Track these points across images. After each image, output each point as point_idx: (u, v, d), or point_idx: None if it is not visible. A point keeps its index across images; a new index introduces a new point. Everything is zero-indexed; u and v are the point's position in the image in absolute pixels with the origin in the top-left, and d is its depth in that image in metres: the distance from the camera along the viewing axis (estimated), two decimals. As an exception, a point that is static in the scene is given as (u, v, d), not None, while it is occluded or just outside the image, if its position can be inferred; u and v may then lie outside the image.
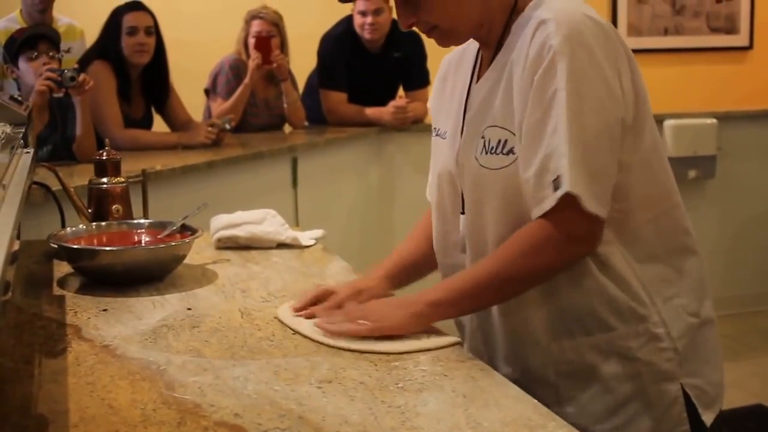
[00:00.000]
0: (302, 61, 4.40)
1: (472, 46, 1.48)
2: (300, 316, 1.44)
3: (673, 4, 5.88)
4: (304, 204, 3.64)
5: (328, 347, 1.30)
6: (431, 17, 1.35)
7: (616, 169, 1.29)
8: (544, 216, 1.27)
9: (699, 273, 1.42)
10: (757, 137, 4.83)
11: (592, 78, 1.26)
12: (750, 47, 6.10)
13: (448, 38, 1.39)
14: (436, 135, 1.53)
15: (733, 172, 4.75)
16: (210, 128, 3.68)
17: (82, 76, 3.09)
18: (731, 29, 6.04)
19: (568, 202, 1.24)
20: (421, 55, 4.20)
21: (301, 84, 4.48)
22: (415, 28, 1.39)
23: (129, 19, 3.59)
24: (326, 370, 1.21)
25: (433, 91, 1.60)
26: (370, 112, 4.25)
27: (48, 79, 3.03)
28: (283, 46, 4.20)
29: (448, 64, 1.55)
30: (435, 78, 1.60)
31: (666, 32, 5.91)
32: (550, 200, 1.25)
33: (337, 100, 4.33)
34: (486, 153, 1.35)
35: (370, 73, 4.29)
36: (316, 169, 3.77)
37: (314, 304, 1.47)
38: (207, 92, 4.24)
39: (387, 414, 1.05)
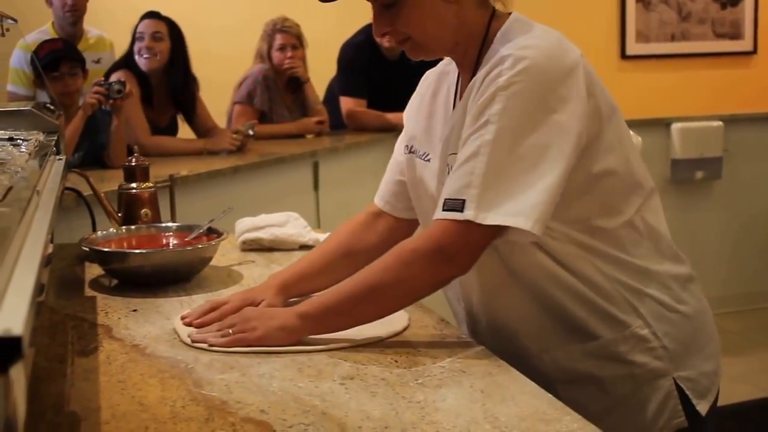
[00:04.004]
0: (321, 68, 4.45)
1: (452, 67, 1.49)
2: (190, 326, 1.42)
3: (679, 11, 5.89)
4: (325, 207, 3.66)
5: (349, 346, 1.32)
6: (406, 28, 1.35)
7: (550, 196, 1.24)
8: (430, 230, 1.28)
9: (670, 269, 1.42)
10: (762, 138, 4.90)
11: (530, 115, 1.25)
12: (754, 52, 6.12)
13: (419, 51, 1.39)
14: (417, 156, 1.50)
15: (739, 173, 4.83)
16: (235, 135, 3.72)
17: (128, 88, 3.20)
18: (736, 35, 6.04)
19: (459, 225, 1.24)
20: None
21: (321, 91, 4.53)
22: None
23: (140, 27, 3.68)
24: (348, 367, 1.23)
25: (410, 106, 1.58)
26: (389, 117, 4.28)
27: (97, 92, 3.17)
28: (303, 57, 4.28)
29: (428, 82, 1.55)
30: (414, 94, 1.58)
31: (673, 38, 5.93)
32: (439, 215, 1.27)
33: (356, 106, 4.38)
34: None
35: (388, 80, 4.32)
36: (336, 172, 3.80)
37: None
38: (235, 104, 4.26)
39: (407, 409, 1.07)
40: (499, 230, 1.25)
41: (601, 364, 1.38)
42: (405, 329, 1.41)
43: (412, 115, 1.56)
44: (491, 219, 1.23)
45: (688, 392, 1.39)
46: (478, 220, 1.23)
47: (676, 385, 1.39)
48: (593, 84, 1.31)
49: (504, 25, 1.36)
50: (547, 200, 1.24)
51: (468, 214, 1.24)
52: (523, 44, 1.29)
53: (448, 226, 1.26)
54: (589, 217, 1.34)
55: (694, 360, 1.42)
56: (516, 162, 1.24)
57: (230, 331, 1.34)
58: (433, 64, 1.56)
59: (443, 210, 1.27)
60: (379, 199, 1.63)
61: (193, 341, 1.36)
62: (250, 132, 3.77)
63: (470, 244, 1.27)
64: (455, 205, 1.25)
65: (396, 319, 1.40)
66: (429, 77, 1.56)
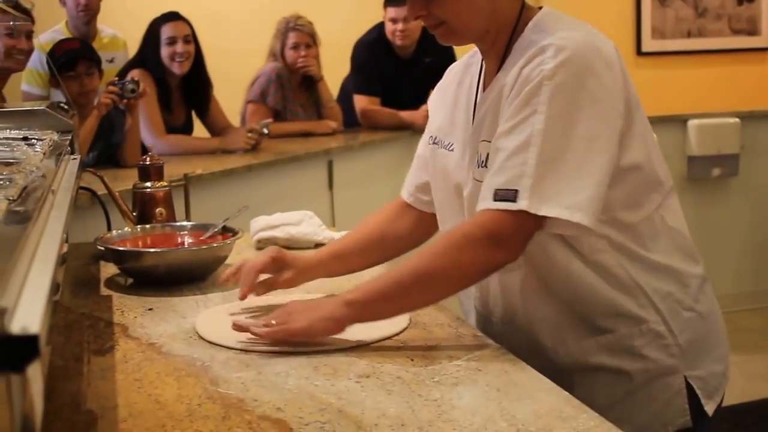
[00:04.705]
0: (335, 66, 4.45)
1: (475, 59, 1.49)
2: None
3: (695, 7, 5.87)
4: (340, 205, 3.67)
5: (365, 344, 1.32)
6: (442, 13, 1.35)
7: (602, 189, 1.26)
8: (480, 218, 1.28)
9: (692, 268, 1.43)
10: (779, 135, 4.88)
11: (577, 105, 1.25)
12: (771, 48, 6.09)
13: (452, 36, 1.38)
14: (441, 147, 1.51)
15: (756, 170, 4.82)
16: (249, 134, 3.73)
17: (142, 87, 3.21)
18: (753, 31, 6.02)
19: (512, 215, 1.24)
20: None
21: (334, 89, 4.53)
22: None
23: (167, 30, 3.65)
24: (364, 365, 1.23)
25: (432, 100, 1.60)
26: (403, 115, 4.29)
27: (111, 92, 3.20)
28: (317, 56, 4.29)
29: (453, 74, 1.55)
30: (436, 88, 1.60)
31: (689, 35, 5.91)
32: (489, 205, 1.26)
33: (370, 104, 4.39)
34: (478, 167, 1.37)
35: (402, 78, 4.34)
36: (351, 171, 3.81)
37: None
38: (248, 103, 4.27)
39: (424, 407, 1.08)
40: (548, 220, 1.26)
41: (615, 358, 1.38)
42: (403, 331, 1.39)
43: (436, 106, 1.57)
44: (547, 210, 1.23)
45: (698, 391, 1.39)
46: (533, 211, 1.23)
47: (687, 383, 1.39)
48: (625, 74, 1.32)
49: (536, 15, 1.37)
50: (601, 193, 1.26)
51: (522, 204, 1.23)
52: (562, 34, 1.29)
53: (501, 215, 1.25)
54: (613, 209, 1.33)
55: (706, 360, 1.42)
56: (567, 152, 1.25)
57: (273, 322, 1.34)
58: (447, 59, 1.56)
59: (494, 200, 1.26)
60: (405, 192, 1.65)
61: (235, 327, 1.36)
62: (265, 131, 3.78)
63: (522, 231, 1.27)
64: (507, 195, 1.25)
65: (395, 320, 1.39)
66: (454, 69, 1.57)
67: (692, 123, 4.72)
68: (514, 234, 1.26)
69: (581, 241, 1.34)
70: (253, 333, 1.34)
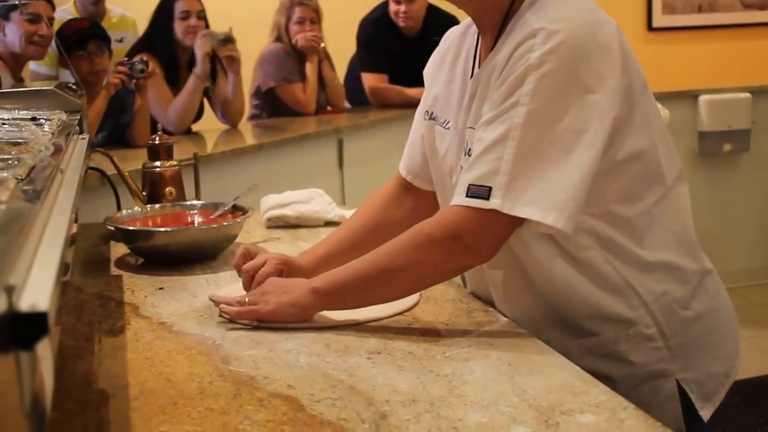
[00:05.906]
0: (342, 44, 4.43)
1: (472, 30, 1.40)
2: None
3: (706, -19, 5.83)
4: (350, 183, 3.67)
5: (376, 321, 1.32)
6: None
7: (583, 188, 1.17)
8: (448, 215, 1.22)
9: (692, 264, 1.34)
10: (790, 110, 4.87)
11: (565, 96, 1.17)
12: (783, 22, 6.03)
13: None
14: (438, 124, 1.43)
15: (767, 145, 4.82)
16: (205, 32, 3.61)
17: (151, 67, 3.22)
18: (764, 5, 5.95)
19: (482, 214, 1.18)
20: None
21: (342, 67, 4.51)
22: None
23: (181, 5, 3.67)
24: (375, 341, 1.23)
25: (428, 70, 1.50)
26: (412, 92, 4.27)
27: (120, 72, 3.21)
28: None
29: (449, 42, 1.46)
30: (431, 57, 1.50)
31: (700, 10, 5.86)
32: (461, 201, 1.20)
33: (378, 82, 4.37)
34: (465, 155, 1.30)
35: (409, 56, 4.30)
36: (361, 149, 3.80)
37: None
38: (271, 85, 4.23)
39: (435, 383, 1.07)
40: (523, 220, 1.18)
41: (599, 362, 1.28)
42: (413, 307, 1.38)
43: (432, 77, 1.48)
44: (519, 210, 1.16)
45: (691, 395, 1.31)
46: (505, 210, 1.16)
47: (679, 387, 1.30)
48: (628, 58, 1.22)
49: None
50: (580, 193, 1.17)
51: (495, 202, 1.16)
52: (555, 16, 1.19)
53: (469, 214, 1.19)
54: (607, 202, 1.26)
55: (703, 360, 1.33)
56: (548, 147, 1.16)
57: (247, 300, 1.33)
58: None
59: (467, 196, 1.19)
60: (403, 168, 1.57)
61: (210, 298, 1.41)
62: (221, 38, 3.66)
63: (492, 233, 1.20)
64: (480, 192, 1.18)
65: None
66: (450, 37, 1.48)
67: (703, 98, 4.73)
68: (482, 236, 1.20)
69: (567, 238, 1.25)
70: (222, 312, 1.34)
